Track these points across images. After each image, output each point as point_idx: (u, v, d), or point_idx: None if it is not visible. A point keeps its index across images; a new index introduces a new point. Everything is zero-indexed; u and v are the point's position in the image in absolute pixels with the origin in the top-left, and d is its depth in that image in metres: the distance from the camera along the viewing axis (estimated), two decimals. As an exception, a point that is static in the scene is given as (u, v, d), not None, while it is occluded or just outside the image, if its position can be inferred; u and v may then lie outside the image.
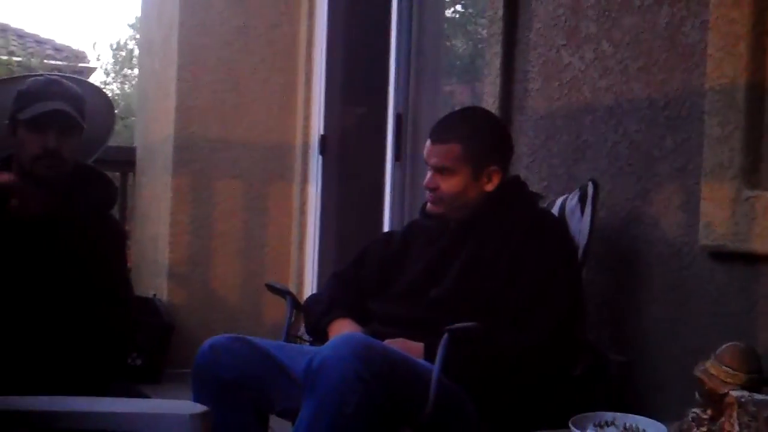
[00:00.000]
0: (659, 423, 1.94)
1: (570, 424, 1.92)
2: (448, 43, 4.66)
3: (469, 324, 2.04)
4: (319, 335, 2.41)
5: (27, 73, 3.93)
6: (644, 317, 2.42)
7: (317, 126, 4.54)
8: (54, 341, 2.27)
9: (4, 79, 3.10)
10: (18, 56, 12.89)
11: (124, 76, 17.44)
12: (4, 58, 12.53)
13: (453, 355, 2.03)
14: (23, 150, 2.34)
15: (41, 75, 2.58)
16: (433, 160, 2.34)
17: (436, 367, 2.02)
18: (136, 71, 16.12)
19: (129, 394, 2.24)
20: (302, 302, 2.60)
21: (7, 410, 1.35)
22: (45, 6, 43.48)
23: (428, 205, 2.43)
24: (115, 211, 4.11)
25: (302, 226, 4.58)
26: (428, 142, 2.37)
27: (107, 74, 17.42)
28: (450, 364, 2.03)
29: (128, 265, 2.76)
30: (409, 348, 2.16)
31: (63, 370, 2.23)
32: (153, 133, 5.01)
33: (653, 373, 2.36)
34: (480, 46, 4.25)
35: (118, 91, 16.57)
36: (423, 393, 2.00)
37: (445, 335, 2.04)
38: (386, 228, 3.81)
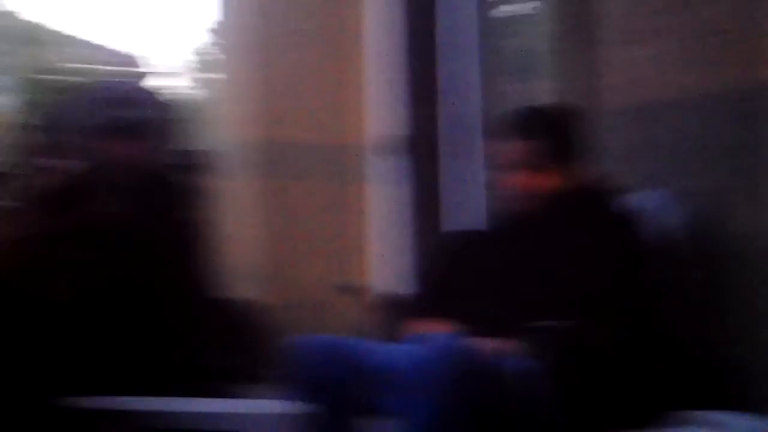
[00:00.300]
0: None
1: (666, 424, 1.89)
2: (501, 42, 4.63)
3: (559, 321, 2.03)
4: (398, 334, 2.42)
5: (99, 81, 4.03)
6: (746, 313, 2.37)
7: (383, 125, 4.55)
8: (145, 344, 2.32)
9: (80, 88, 3.18)
10: (92, 65, 13.20)
11: (202, 81, 17.71)
12: (74, 65, 12.84)
13: (543, 354, 2.02)
14: (99, 157, 2.39)
15: (117, 83, 2.62)
16: (505, 158, 2.33)
17: (526, 366, 2.01)
18: (213, 76, 16.39)
19: (224, 394, 2.28)
20: (387, 302, 2.61)
21: (112, 409, 1.41)
22: (122, 16, 44.35)
23: (507, 202, 2.41)
24: (194, 214, 4.19)
25: (368, 224, 4.59)
26: (498, 140, 2.36)
27: (184, 79, 17.71)
28: (541, 363, 2.02)
29: (213, 267, 2.80)
30: (500, 346, 2.15)
31: (157, 371, 2.28)
32: (233, 137, 5.09)
33: (761, 369, 2.31)
34: (545, 42, 4.20)
35: (195, 96, 16.83)
36: (514, 391, 1.99)
37: (536, 333, 2.03)
38: (454, 227, 3.80)
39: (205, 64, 17.27)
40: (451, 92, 3.83)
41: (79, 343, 2.21)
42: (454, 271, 2.49)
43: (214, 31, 16.63)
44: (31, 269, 0.96)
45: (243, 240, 4.70)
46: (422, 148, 4.48)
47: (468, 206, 3.79)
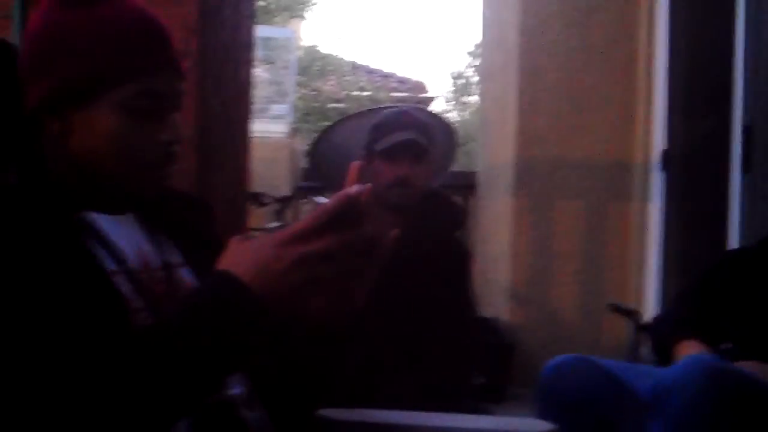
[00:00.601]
0: None
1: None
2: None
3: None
4: (664, 357, 2.35)
5: (379, 106, 4.23)
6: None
7: (659, 142, 4.44)
8: (404, 360, 2.40)
9: (360, 113, 3.34)
10: (367, 91, 13.83)
11: (463, 103, 18.04)
12: (356, 93, 13.51)
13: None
14: (378, 178, 2.48)
15: (394, 107, 2.72)
16: None
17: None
18: (474, 98, 16.65)
19: (477, 411, 2.31)
20: (646, 322, 2.55)
21: (368, 422, 1.47)
22: (389, 42, 46.25)
23: None
24: (459, 233, 4.28)
25: (643, 244, 4.48)
26: None
27: (447, 102, 18.13)
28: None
29: (474, 286, 2.86)
30: (766, 371, 2.04)
31: (413, 386, 2.35)
32: (494, 157, 5.16)
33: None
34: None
35: (457, 118, 17.18)
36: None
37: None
38: (733, 245, 3.62)
39: (463, 86, 17.64)
40: (733, 104, 3.69)
41: (352, 356, 2.32)
42: (721, 291, 2.39)
43: (472, 53, 16.98)
44: (313, 289, 0.99)
45: (502, 258, 4.74)
46: (699, 163, 4.34)
47: (753, 222, 3.62)
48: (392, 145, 2.42)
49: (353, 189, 0.99)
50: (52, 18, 1.20)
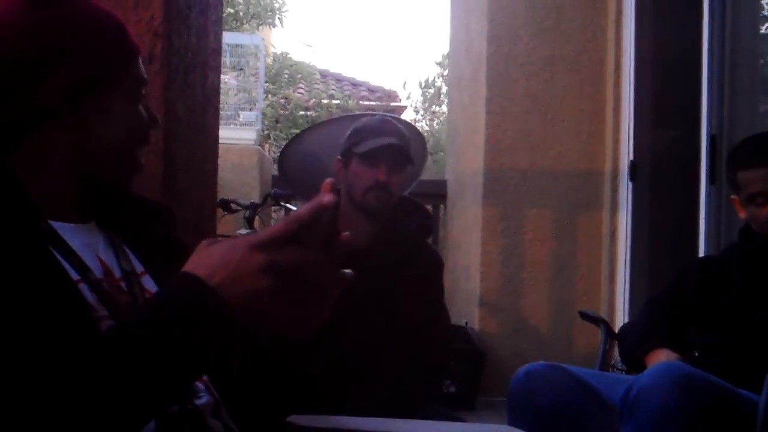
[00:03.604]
0: None
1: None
2: (763, 61, 4.39)
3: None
4: (634, 364, 2.37)
5: (349, 114, 4.23)
6: None
7: (627, 152, 4.47)
8: (371, 365, 2.39)
9: (330, 121, 3.35)
10: (337, 99, 13.83)
11: (433, 112, 18.09)
12: (325, 101, 13.51)
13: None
14: (355, 182, 2.47)
15: (375, 114, 2.71)
16: (761, 185, 2.21)
17: (762, 399, 1.91)
18: (443, 108, 16.69)
19: (448, 419, 2.31)
20: (616, 330, 2.56)
21: (338, 429, 1.46)
22: (359, 51, 46.36)
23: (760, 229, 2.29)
24: (430, 240, 4.28)
25: (612, 253, 4.51)
26: (748, 169, 2.24)
27: (417, 112, 18.16)
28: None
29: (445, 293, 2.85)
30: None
31: (384, 393, 2.34)
32: (463, 166, 5.17)
33: None
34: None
35: (427, 128, 17.21)
36: (747, 426, 1.90)
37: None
38: (701, 254, 3.65)
39: (433, 96, 17.70)
40: (700, 115, 3.72)
41: (325, 362, 2.31)
42: (688, 299, 2.41)
43: (440, 63, 17.05)
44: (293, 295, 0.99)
45: (473, 267, 4.75)
46: (667, 173, 4.37)
47: (719, 232, 3.65)
48: (374, 148, 2.42)
49: (326, 198, 0.97)
50: (26, 18, 1.20)
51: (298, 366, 1.30)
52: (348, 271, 1.02)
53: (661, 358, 2.23)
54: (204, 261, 0.97)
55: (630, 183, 4.41)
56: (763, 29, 4.42)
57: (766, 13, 4.21)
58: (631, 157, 4.42)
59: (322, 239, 0.98)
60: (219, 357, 0.98)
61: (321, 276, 0.98)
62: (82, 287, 1.14)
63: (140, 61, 1.29)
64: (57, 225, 1.19)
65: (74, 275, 1.15)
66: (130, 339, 0.94)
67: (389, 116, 2.75)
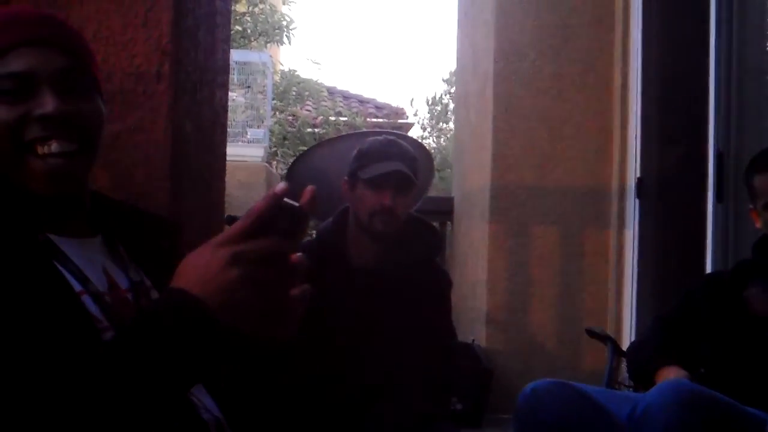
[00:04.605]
0: None
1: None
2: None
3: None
4: (643, 381, 2.35)
5: (357, 131, 4.24)
6: None
7: (633, 169, 4.46)
8: (378, 385, 2.38)
9: (338, 138, 3.35)
10: (344, 116, 13.86)
11: (440, 129, 18.11)
12: (333, 118, 13.54)
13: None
14: (361, 205, 2.47)
15: (380, 135, 2.71)
16: None
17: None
18: (450, 125, 16.71)
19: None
20: (622, 347, 2.55)
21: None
22: (367, 68, 46.49)
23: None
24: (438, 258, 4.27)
25: (620, 270, 4.50)
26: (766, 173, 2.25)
27: (424, 129, 18.18)
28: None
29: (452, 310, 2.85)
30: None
31: (393, 411, 2.34)
32: (470, 183, 5.17)
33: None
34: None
35: (434, 145, 17.23)
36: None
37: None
38: (708, 270, 3.64)
39: (440, 113, 17.74)
40: (707, 132, 3.71)
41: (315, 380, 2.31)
42: (698, 315, 2.40)
43: (447, 81, 17.06)
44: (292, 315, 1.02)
45: (479, 284, 4.74)
46: (674, 191, 4.36)
47: (727, 249, 3.64)
48: (379, 174, 2.42)
49: (278, 187, 1.01)
50: None
51: (283, 370, 1.31)
52: (305, 263, 1.05)
53: (671, 375, 2.22)
54: (182, 270, 1.00)
55: (637, 200, 4.41)
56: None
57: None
58: (638, 174, 4.42)
59: (286, 228, 1.00)
60: (209, 362, 1.00)
61: (286, 263, 1.01)
62: (85, 299, 1.15)
63: (33, 54, 1.21)
64: (60, 240, 1.20)
65: (77, 287, 1.15)
66: (124, 349, 0.97)
67: (395, 134, 2.75)
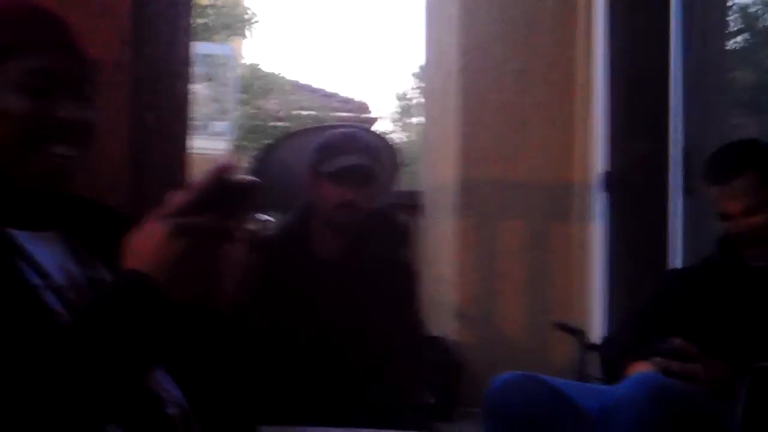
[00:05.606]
0: None
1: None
2: (732, 75, 4.43)
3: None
4: (614, 377, 2.35)
5: (322, 125, 4.21)
6: None
7: (599, 163, 4.48)
8: (345, 379, 2.37)
9: (302, 131, 3.32)
10: (310, 110, 13.83)
11: (407, 124, 18.16)
12: (298, 112, 13.51)
13: (755, 397, 1.91)
14: (323, 199, 2.46)
15: (339, 127, 2.69)
16: (733, 203, 2.20)
17: (738, 408, 1.91)
18: (418, 119, 16.74)
19: (426, 430, 2.29)
20: (591, 341, 2.55)
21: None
22: (333, 62, 46.44)
23: (734, 240, 2.29)
24: (405, 252, 4.26)
25: (587, 263, 4.51)
26: (717, 187, 2.24)
27: (392, 123, 18.22)
28: (753, 407, 1.91)
29: (420, 304, 2.84)
30: (715, 368, 2.04)
31: (356, 404, 2.33)
32: (437, 177, 5.16)
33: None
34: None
35: (405, 139, 17.27)
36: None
37: (748, 375, 1.93)
38: (671, 264, 3.67)
39: (408, 108, 17.77)
40: (670, 128, 3.73)
41: (286, 371, 2.29)
42: (666, 310, 2.40)
43: (416, 75, 17.11)
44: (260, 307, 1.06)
45: (447, 278, 4.73)
46: (638, 185, 4.38)
47: (689, 242, 3.66)
48: (339, 168, 2.40)
49: (221, 163, 1.01)
50: None
51: (237, 341, 1.34)
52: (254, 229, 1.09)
53: (642, 370, 2.22)
54: (128, 247, 1.03)
55: (603, 194, 4.42)
56: (729, 44, 4.47)
57: (733, 29, 4.26)
58: (603, 168, 4.43)
59: (228, 204, 1.01)
60: (162, 335, 1.02)
61: (225, 235, 1.03)
62: (46, 293, 1.14)
63: (63, 57, 1.24)
64: (18, 233, 1.18)
65: (37, 281, 1.14)
66: (81, 331, 0.98)
67: (357, 127, 2.73)
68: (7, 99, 1.19)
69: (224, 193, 1.01)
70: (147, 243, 1.00)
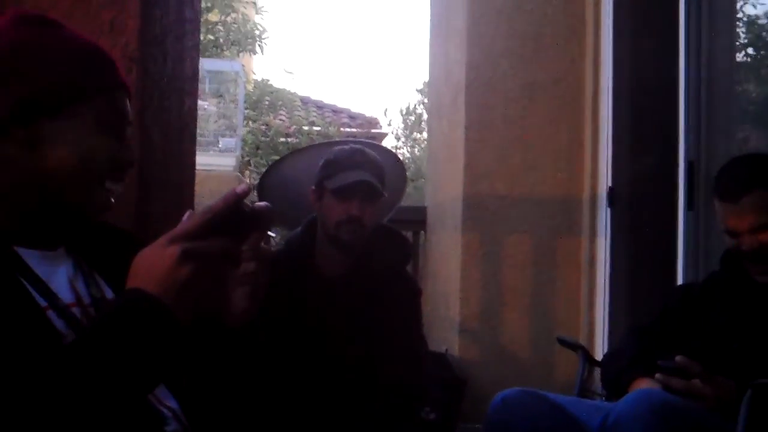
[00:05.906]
0: None
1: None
2: (740, 88, 4.43)
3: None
4: (617, 392, 2.35)
5: (329, 140, 4.22)
6: None
7: (605, 178, 4.48)
8: (349, 395, 2.37)
9: (310, 147, 3.34)
10: (317, 126, 13.85)
11: (414, 139, 18.15)
12: (306, 128, 13.52)
13: (758, 414, 1.91)
14: (328, 215, 2.47)
15: (346, 142, 2.70)
16: (741, 221, 2.21)
17: (740, 424, 1.91)
18: (424, 135, 16.74)
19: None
20: (595, 356, 2.55)
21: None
22: (341, 78, 46.55)
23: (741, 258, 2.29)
24: (408, 269, 4.26)
25: (592, 279, 4.51)
26: (724, 204, 2.24)
27: (398, 138, 18.21)
28: (754, 423, 1.91)
29: (424, 320, 2.84)
30: (719, 385, 2.04)
31: (358, 423, 2.33)
32: (443, 193, 5.17)
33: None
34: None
35: (408, 155, 17.26)
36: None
37: (749, 391, 1.93)
38: (680, 280, 3.66)
39: (414, 123, 17.77)
40: (678, 142, 3.73)
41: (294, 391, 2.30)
42: (671, 326, 2.40)
43: (421, 91, 17.11)
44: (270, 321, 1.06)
45: (452, 294, 4.73)
46: (645, 199, 4.38)
47: (698, 258, 3.65)
48: (345, 184, 2.41)
49: (240, 188, 1.02)
50: (9, 35, 1.22)
51: (243, 359, 1.34)
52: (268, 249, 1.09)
53: (645, 387, 2.22)
54: (134, 270, 1.03)
55: (608, 209, 4.42)
56: (739, 57, 4.47)
57: (742, 41, 4.27)
58: (610, 184, 4.44)
59: (240, 230, 1.03)
60: (168, 356, 1.02)
61: (235, 260, 1.05)
62: (50, 314, 1.14)
63: (123, 96, 1.30)
64: (23, 252, 1.18)
65: (42, 302, 1.14)
66: (85, 350, 0.98)
67: (363, 143, 2.74)
68: (85, 140, 1.23)
69: (237, 218, 1.02)
70: (156, 264, 1.01)
